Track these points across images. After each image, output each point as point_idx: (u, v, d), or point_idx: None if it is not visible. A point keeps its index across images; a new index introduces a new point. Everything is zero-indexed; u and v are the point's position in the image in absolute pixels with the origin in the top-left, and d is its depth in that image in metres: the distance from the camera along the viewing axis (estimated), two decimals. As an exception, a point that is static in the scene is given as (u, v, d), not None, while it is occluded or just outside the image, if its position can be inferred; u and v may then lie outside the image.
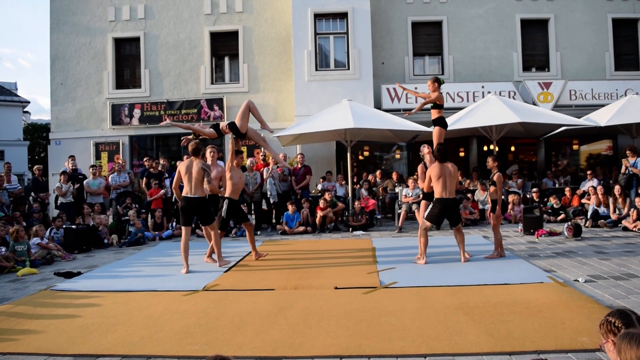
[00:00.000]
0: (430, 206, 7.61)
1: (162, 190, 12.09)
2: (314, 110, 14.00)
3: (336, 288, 5.99)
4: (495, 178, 7.65)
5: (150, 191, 12.05)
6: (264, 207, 12.72)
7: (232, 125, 7.83)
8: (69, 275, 7.37)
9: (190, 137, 7.97)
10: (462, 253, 7.49)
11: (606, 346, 2.15)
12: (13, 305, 5.71)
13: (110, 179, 12.44)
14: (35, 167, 12.55)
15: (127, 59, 16.95)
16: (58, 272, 7.59)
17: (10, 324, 5.00)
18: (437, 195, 7.43)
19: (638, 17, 16.48)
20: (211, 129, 8.03)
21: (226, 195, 7.99)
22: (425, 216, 7.61)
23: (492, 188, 7.73)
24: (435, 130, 7.98)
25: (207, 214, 7.58)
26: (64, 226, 10.19)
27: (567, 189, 12.84)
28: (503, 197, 11.10)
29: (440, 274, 6.65)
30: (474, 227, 11.34)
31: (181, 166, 7.49)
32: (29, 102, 34.97)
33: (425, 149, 8.81)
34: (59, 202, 11.77)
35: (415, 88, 15.29)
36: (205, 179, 7.33)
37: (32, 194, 12.30)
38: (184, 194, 7.40)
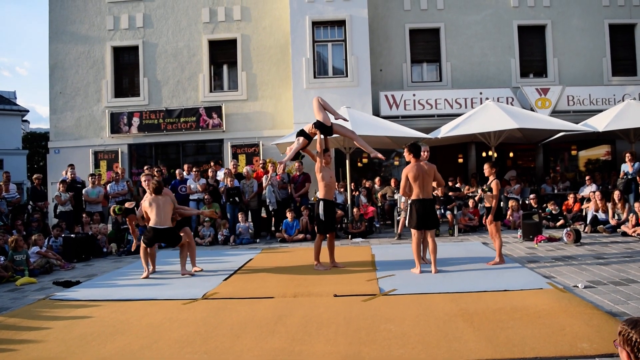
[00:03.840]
0: (408, 211, 7.51)
1: None
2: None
3: (335, 295, 5.98)
4: (492, 185, 7.63)
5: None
6: (263, 214, 12.71)
7: (318, 124, 7.77)
8: (67, 284, 7.36)
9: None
10: (433, 263, 7.19)
11: (621, 354, 2.18)
12: (11, 315, 5.69)
13: (108, 188, 12.43)
14: (34, 176, 12.54)
15: (126, 67, 17.00)
16: (57, 281, 7.58)
17: (9, 333, 4.99)
18: (413, 196, 7.19)
19: (635, 23, 16.56)
20: (300, 138, 7.85)
21: (320, 196, 7.81)
22: (407, 224, 7.46)
23: (488, 194, 7.70)
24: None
25: (174, 239, 7.85)
26: (62, 235, 10.18)
27: (570, 195, 12.82)
28: (502, 203, 11.12)
29: (439, 280, 6.64)
30: (474, 234, 11.33)
31: (145, 202, 7.81)
32: (27, 111, 35.00)
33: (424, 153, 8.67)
34: (57, 210, 11.75)
35: (414, 96, 15.39)
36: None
37: (31, 202, 12.28)
38: (153, 224, 7.59)
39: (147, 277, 7.68)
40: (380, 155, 8.13)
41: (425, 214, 7.14)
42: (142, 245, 7.82)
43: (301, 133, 7.90)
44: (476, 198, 11.86)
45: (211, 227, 11.64)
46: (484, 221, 8.24)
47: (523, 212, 11.16)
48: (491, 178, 7.70)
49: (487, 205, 7.77)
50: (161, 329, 4.93)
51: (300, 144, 7.81)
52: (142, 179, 8.51)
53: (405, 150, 7.34)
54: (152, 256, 8.00)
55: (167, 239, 7.92)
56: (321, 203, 7.75)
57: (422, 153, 7.76)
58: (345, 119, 8.44)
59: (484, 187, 7.88)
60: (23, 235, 9.61)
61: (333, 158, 15.25)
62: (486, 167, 7.85)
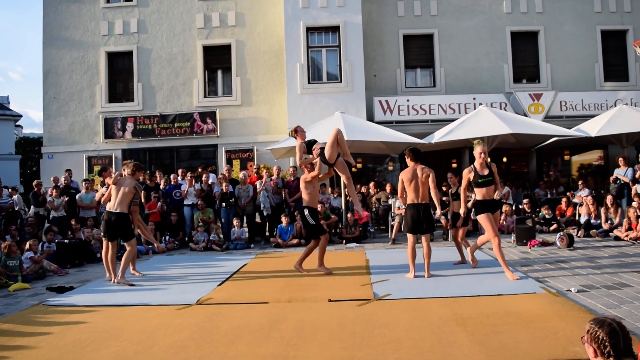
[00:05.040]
0: (403, 215, 7.61)
1: (159, 203, 12.04)
2: (307, 123, 14.02)
3: (330, 301, 5.98)
4: (461, 191, 7.80)
5: (149, 204, 11.98)
6: (258, 219, 12.70)
7: (322, 154, 7.60)
8: (61, 290, 7.31)
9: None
10: (427, 268, 7.18)
11: (588, 350, 2.38)
12: (5, 321, 5.66)
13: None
14: (35, 182, 12.44)
15: (120, 72, 17.00)
16: (50, 287, 7.53)
17: (2, 340, 4.95)
18: (408, 200, 7.17)
19: (626, 29, 16.71)
20: (302, 144, 7.81)
21: (304, 204, 7.82)
22: (402, 229, 7.54)
23: (456, 202, 7.87)
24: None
25: (127, 231, 7.76)
26: (56, 240, 10.12)
27: (563, 199, 12.89)
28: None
29: (433, 285, 6.65)
30: (467, 238, 11.31)
31: (112, 181, 7.80)
32: (21, 116, 34.80)
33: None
34: (51, 216, 11.67)
35: (408, 101, 15.46)
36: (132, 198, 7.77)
37: (32, 207, 12.19)
38: (108, 208, 7.67)
39: (116, 282, 7.64)
40: (362, 214, 8.41)
41: (419, 218, 7.10)
42: (105, 243, 7.79)
43: (308, 143, 7.81)
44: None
45: (205, 233, 11.62)
46: (449, 226, 8.46)
47: (517, 216, 11.22)
48: (455, 186, 7.88)
49: (456, 211, 7.97)
50: (155, 335, 4.91)
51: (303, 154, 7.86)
52: (123, 168, 8.43)
53: (406, 153, 7.38)
54: (132, 261, 7.97)
55: (122, 230, 7.68)
56: (306, 210, 7.78)
57: (478, 154, 7.28)
58: (353, 164, 8.41)
59: (452, 195, 8.13)
60: (16, 240, 9.55)
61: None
62: (450, 176, 7.99)
